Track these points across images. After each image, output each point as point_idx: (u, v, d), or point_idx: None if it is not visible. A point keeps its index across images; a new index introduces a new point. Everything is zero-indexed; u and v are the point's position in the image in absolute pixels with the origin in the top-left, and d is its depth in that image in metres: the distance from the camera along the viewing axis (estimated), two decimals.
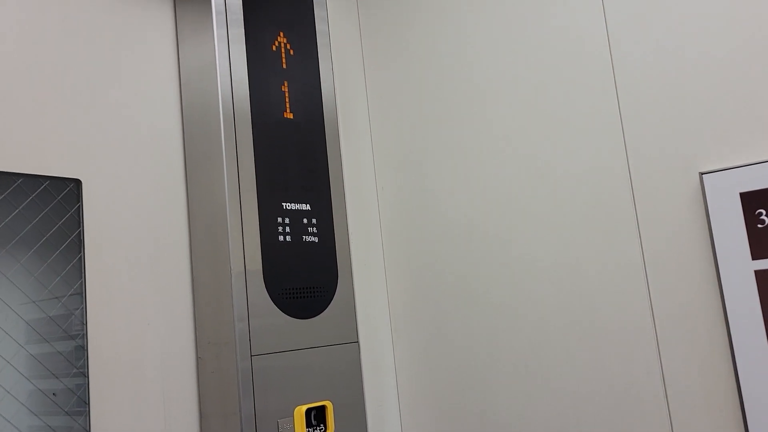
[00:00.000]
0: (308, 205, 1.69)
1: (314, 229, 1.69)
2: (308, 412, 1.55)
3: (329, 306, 1.67)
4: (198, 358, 1.56)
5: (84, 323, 1.34)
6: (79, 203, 1.39)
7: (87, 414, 1.31)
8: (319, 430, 1.57)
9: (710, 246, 1.40)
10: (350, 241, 1.78)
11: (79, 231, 1.37)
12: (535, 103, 1.69)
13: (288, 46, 1.73)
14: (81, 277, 1.36)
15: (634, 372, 1.50)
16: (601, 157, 1.57)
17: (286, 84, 1.71)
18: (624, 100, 1.54)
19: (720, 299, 1.38)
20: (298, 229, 1.65)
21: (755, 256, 1.35)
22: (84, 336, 1.33)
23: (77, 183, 1.39)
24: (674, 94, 1.47)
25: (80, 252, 1.37)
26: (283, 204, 1.64)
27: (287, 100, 1.70)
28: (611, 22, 1.57)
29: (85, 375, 1.32)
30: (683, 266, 1.44)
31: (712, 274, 1.40)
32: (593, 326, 1.57)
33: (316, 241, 1.69)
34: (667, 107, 1.48)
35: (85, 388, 1.32)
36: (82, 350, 1.33)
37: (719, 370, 1.39)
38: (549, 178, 1.66)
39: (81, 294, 1.35)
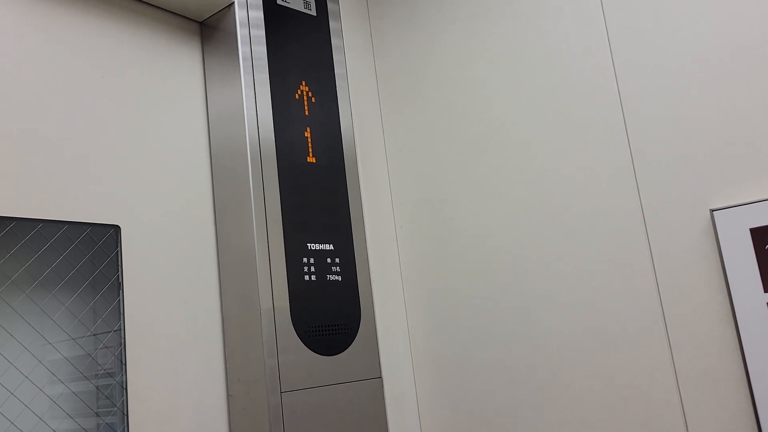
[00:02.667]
0: (331, 245, 1.75)
1: (337, 268, 1.75)
2: None
3: (353, 342, 1.72)
4: (229, 396, 1.61)
5: (123, 362, 1.40)
6: (118, 248, 1.46)
7: None
8: None
9: (723, 279, 1.45)
10: (371, 279, 1.83)
11: (118, 275, 1.44)
12: (548, 142, 1.76)
13: (310, 94, 1.82)
14: (120, 319, 1.42)
15: (654, 404, 1.54)
16: (615, 195, 1.64)
17: (308, 130, 1.79)
18: (634, 141, 1.61)
19: (735, 330, 1.43)
20: (323, 269, 1.71)
21: (767, 288, 1.40)
22: (123, 375, 1.39)
23: (116, 229, 1.47)
24: (684, 133, 1.54)
25: (119, 294, 1.44)
26: (308, 244, 1.70)
27: (310, 144, 1.78)
28: (619, 63, 1.65)
29: (124, 413, 1.37)
30: (698, 300, 1.49)
31: (726, 306, 1.45)
32: (611, 360, 1.61)
33: (340, 279, 1.74)
34: (677, 147, 1.55)
35: (124, 427, 1.37)
36: (121, 388, 1.38)
37: (736, 398, 1.43)
38: (564, 217, 1.72)
39: (120, 333, 1.41)
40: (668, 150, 1.56)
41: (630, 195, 1.61)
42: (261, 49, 1.73)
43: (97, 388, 1.36)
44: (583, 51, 1.72)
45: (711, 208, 1.48)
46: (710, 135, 1.50)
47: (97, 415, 1.35)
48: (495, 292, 1.83)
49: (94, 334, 1.39)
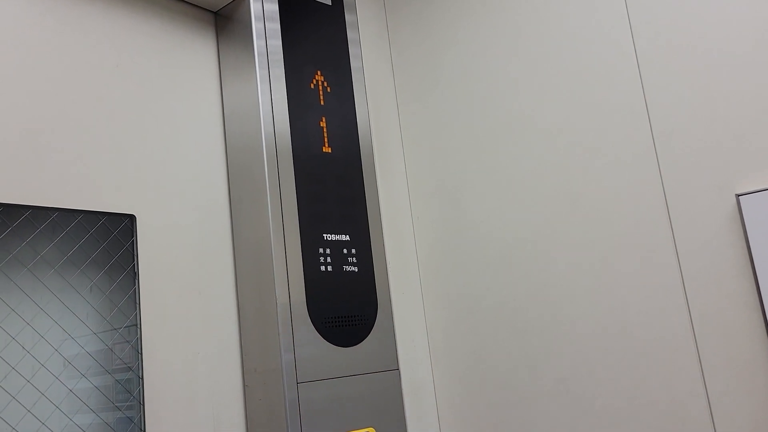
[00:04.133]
0: (347, 235, 1.74)
1: (354, 258, 1.73)
2: None
3: (370, 334, 1.71)
4: (245, 387, 1.60)
5: (139, 352, 1.39)
6: (134, 237, 1.45)
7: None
8: None
9: (750, 266, 1.42)
10: (388, 269, 1.81)
11: (134, 264, 1.44)
12: (568, 129, 1.73)
13: (325, 84, 1.81)
14: (136, 309, 1.41)
15: (678, 393, 1.50)
16: (636, 183, 1.60)
17: (324, 120, 1.77)
18: (657, 127, 1.58)
19: (762, 316, 1.39)
20: (339, 259, 1.70)
21: None
22: (140, 366, 1.38)
23: (132, 218, 1.46)
24: (707, 116, 1.51)
25: (135, 284, 1.43)
26: (324, 235, 1.69)
27: (326, 135, 1.76)
28: (641, 47, 1.61)
29: (141, 404, 1.37)
30: (723, 287, 1.46)
31: (753, 293, 1.41)
32: (634, 348, 1.58)
33: (356, 270, 1.73)
34: (700, 131, 1.51)
35: (141, 417, 1.36)
36: (138, 380, 1.38)
37: (763, 387, 1.39)
38: (584, 204, 1.69)
39: (136, 325, 1.41)
40: (692, 135, 1.52)
41: (652, 182, 1.58)
42: (276, 43, 1.71)
43: (116, 381, 1.36)
44: (603, 36, 1.69)
45: (737, 192, 1.44)
46: (735, 118, 1.46)
47: (115, 406, 1.34)
48: (514, 282, 1.81)
49: (112, 326, 1.38)
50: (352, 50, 1.90)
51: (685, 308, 1.50)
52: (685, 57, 1.55)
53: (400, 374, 1.73)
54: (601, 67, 1.68)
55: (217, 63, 1.78)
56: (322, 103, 1.78)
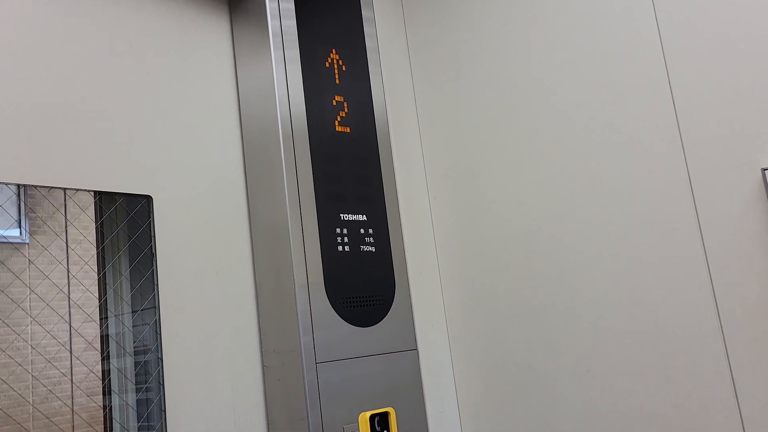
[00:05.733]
0: (364, 215, 1.73)
1: (371, 239, 1.72)
2: (372, 418, 1.58)
3: (388, 314, 1.70)
4: (264, 367, 1.60)
5: (158, 334, 1.40)
6: (151, 218, 1.45)
7: (163, 422, 1.35)
8: None
9: None
10: (405, 250, 1.80)
11: (151, 245, 1.43)
12: (587, 106, 1.70)
13: (340, 62, 1.78)
14: (154, 290, 1.41)
15: (701, 372, 1.48)
16: (657, 156, 1.57)
17: (339, 98, 1.76)
18: (679, 101, 1.54)
19: None
20: (356, 240, 1.69)
21: None
22: (159, 347, 1.39)
23: (148, 199, 1.46)
24: (731, 90, 1.47)
25: (152, 265, 1.43)
26: (341, 215, 1.68)
27: (342, 113, 1.75)
28: (663, 21, 1.57)
29: (161, 384, 1.37)
30: (747, 263, 1.43)
31: None
32: (656, 327, 1.56)
33: (374, 250, 1.72)
34: (724, 104, 1.48)
35: (161, 398, 1.36)
36: (158, 361, 1.38)
37: None
38: (604, 181, 1.66)
39: (155, 307, 1.41)
40: (715, 109, 1.49)
41: (675, 158, 1.54)
42: (291, 23, 1.69)
43: (136, 362, 1.36)
44: (624, 9, 1.65)
45: (763, 167, 1.41)
46: (760, 91, 1.43)
47: (136, 387, 1.35)
48: (532, 262, 1.79)
49: (131, 308, 1.38)
50: (367, 29, 1.88)
51: (709, 286, 1.48)
52: (708, 30, 1.51)
53: (418, 354, 1.73)
54: (621, 41, 1.65)
55: (231, 43, 1.76)
56: (337, 81, 1.76)
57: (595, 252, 1.67)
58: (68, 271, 1.30)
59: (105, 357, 1.31)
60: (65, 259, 1.29)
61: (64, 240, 1.30)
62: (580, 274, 1.70)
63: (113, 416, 1.29)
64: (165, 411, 1.37)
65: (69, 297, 1.29)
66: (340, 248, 1.65)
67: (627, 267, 1.61)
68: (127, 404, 1.33)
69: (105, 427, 1.27)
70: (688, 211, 1.52)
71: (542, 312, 1.76)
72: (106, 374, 1.31)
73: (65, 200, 1.31)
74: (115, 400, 1.31)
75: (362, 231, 1.71)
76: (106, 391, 1.29)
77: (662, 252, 1.55)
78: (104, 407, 1.27)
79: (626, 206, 1.62)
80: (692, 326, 1.50)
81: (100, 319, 1.33)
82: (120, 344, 1.35)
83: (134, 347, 1.37)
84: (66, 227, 1.29)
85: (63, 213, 1.30)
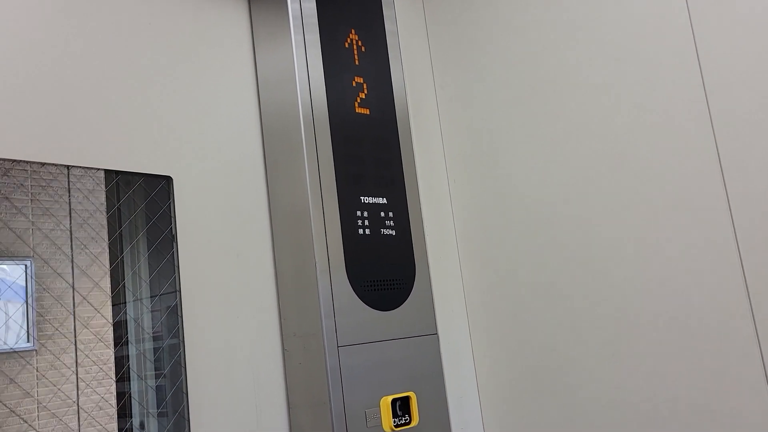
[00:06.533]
0: (384, 198, 1.71)
1: (391, 222, 1.70)
2: (394, 402, 1.56)
3: (408, 298, 1.68)
4: (284, 351, 1.58)
5: (180, 316, 1.38)
6: (171, 199, 1.43)
7: (186, 406, 1.34)
8: (405, 420, 1.57)
9: None
10: (425, 233, 1.78)
11: (172, 226, 1.41)
12: (613, 85, 1.67)
13: (359, 43, 1.76)
14: (174, 273, 1.40)
15: (731, 355, 1.46)
16: (686, 135, 1.54)
17: (359, 80, 1.73)
18: (708, 76, 1.50)
19: None
20: (377, 222, 1.67)
21: None
22: (180, 330, 1.37)
23: (168, 180, 1.44)
24: (762, 65, 1.43)
25: (173, 247, 1.41)
26: (362, 197, 1.66)
27: (361, 95, 1.72)
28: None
29: (183, 367, 1.36)
30: None
31: None
32: (684, 310, 1.53)
33: (394, 234, 1.70)
34: (756, 82, 1.44)
35: (183, 381, 1.35)
36: (179, 345, 1.37)
37: None
38: (631, 163, 1.63)
39: (176, 291, 1.39)
40: (746, 87, 1.45)
41: (704, 136, 1.51)
42: (311, 5, 1.66)
43: (158, 347, 1.35)
44: None
45: None
46: None
47: (158, 372, 1.33)
48: (555, 244, 1.76)
49: (154, 294, 1.37)
50: (386, 12, 1.85)
51: (739, 267, 1.45)
52: (739, 5, 1.47)
53: (438, 339, 1.71)
54: (648, 17, 1.61)
55: (249, 24, 1.74)
56: (356, 62, 1.73)
57: (621, 234, 1.64)
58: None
59: (124, 343, 1.29)
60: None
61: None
62: (606, 256, 1.67)
63: (132, 401, 1.27)
64: (187, 395, 1.35)
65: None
66: (360, 231, 1.63)
67: (654, 248, 1.58)
68: (150, 387, 1.31)
69: (126, 413, 1.26)
70: (718, 191, 1.49)
71: (566, 295, 1.74)
72: (127, 358, 1.29)
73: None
74: (138, 383, 1.29)
75: (382, 214, 1.69)
76: (126, 377, 1.27)
77: (691, 232, 1.52)
78: (124, 393, 1.26)
79: (654, 187, 1.59)
80: (721, 308, 1.47)
81: (121, 302, 1.31)
82: (139, 325, 1.33)
83: (153, 332, 1.35)
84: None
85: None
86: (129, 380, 1.29)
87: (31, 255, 1.19)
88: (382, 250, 1.66)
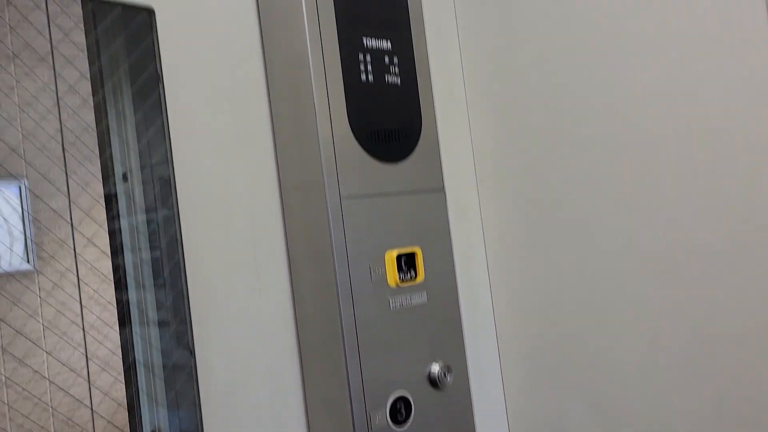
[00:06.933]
0: (389, 42, 1.56)
1: (396, 69, 1.57)
2: (399, 258, 1.50)
3: (415, 150, 1.58)
4: (283, 203, 1.50)
5: (170, 161, 1.28)
6: (154, 35, 1.29)
7: (180, 246, 1.27)
8: (410, 275, 1.52)
9: None
10: (432, 83, 1.65)
11: (156, 64, 1.28)
12: (674, 42, 1.47)
13: None
14: (162, 113, 1.28)
15: None
16: (759, 102, 1.37)
17: None
18: None
19: None
20: (380, 69, 1.54)
21: None
22: (171, 173, 1.27)
23: (150, 12, 1.29)
24: None
25: (159, 88, 1.29)
26: (364, 39, 1.51)
27: None
28: None
29: (175, 207, 1.27)
30: None
31: None
32: (741, 294, 1.36)
33: (399, 82, 1.57)
34: None
35: (174, 218, 1.27)
36: (168, 186, 1.27)
37: None
38: (697, 129, 1.46)
39: (164, 136, 1.28)
40: None
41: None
42: None
43: (147, 218, 1.26)
44: None
45: None
46: None
47: (149, 210, 1.25)
48: (573, 87, 1.63)
49: (137, 134, 1.26)
50: None
51: None
52: None
53: (445, 194, 1.63)
54: None
55: None
56: None
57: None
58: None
59: (117, 215, 1.19)
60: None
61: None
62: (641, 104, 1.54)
63: (127, 274, 1.20)
64: (182, 237, 1.28)
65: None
66: (363, 77, 1.50)
67: (726, 202, 1.45)
68: (144, 262, 1.23)
69: (121, 284, 1.18)
70: None
71: (581, 139, 1.63)
72: (120, 233, 1.20)
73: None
74: (132, 257, 1.21)
75: (387, 60, 1.55)
76: (120, 250, 1.19)
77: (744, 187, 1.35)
78: (118, 267, 1.17)
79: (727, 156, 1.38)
80: None
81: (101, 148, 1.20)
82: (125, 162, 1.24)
83: (146, 205, 1.25)
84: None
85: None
86: (121, 253, 1.20)
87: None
88: (385, 98, 1.54)
